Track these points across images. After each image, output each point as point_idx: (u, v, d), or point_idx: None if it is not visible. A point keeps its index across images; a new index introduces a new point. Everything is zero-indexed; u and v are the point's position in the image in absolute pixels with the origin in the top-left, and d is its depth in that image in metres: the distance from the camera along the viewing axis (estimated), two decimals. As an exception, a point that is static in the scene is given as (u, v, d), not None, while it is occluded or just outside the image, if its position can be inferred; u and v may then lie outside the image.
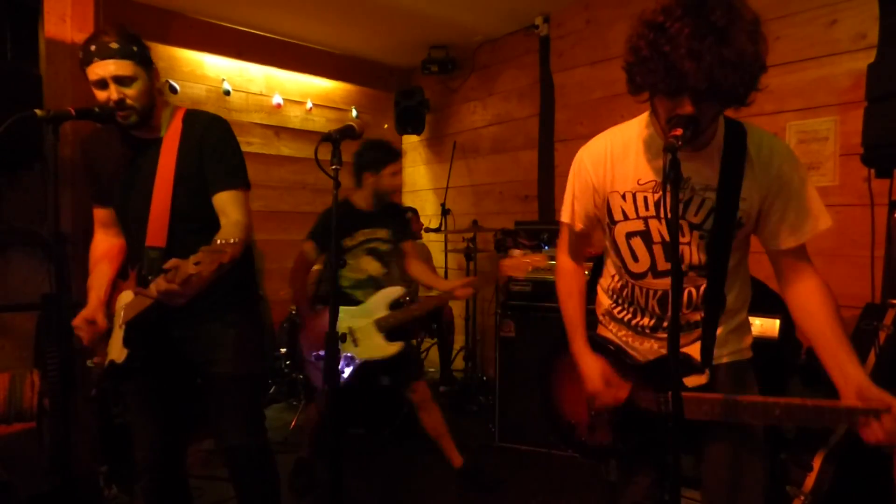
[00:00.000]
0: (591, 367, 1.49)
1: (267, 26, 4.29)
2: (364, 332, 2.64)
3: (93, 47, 1.60)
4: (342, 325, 2.61)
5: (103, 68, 1.59)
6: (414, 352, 3.10)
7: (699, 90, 1.09)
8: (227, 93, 4.21)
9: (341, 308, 2.59)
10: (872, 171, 2.20)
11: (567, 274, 1.61)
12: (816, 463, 1.90)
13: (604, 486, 2.77)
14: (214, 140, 1.76)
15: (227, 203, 1.73)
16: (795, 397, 1.26)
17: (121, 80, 1.62)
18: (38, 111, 1.51)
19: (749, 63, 1.08)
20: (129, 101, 1.63)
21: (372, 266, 2.76)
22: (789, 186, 1.30)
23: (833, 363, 1.25)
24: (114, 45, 1.59)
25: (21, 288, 2.40)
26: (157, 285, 1.43)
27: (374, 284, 2.75)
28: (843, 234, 2.56)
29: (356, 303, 2.70)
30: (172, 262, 1.39)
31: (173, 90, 3.82)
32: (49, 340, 2.21)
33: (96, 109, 1.60)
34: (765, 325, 2.22)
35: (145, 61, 1.67)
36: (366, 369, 2.64)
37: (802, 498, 1.88)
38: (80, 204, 2.47)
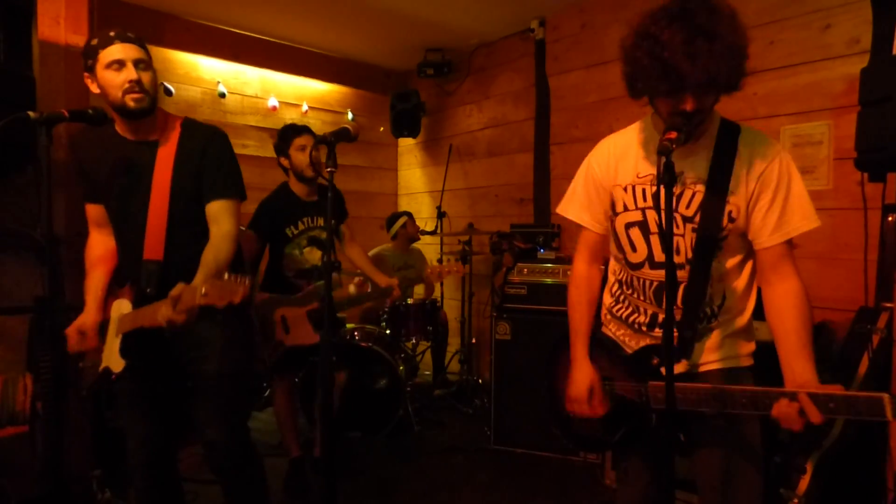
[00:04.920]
0: (583, 375, 1.54)
1: (262, 29, 4.28)
2: (296, 320, 2.73)
3: (112, 33, 1.66)
4: (277, 312, 2.77)
5: (124, 50, 1.66)
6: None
7: (699, 85, 1.19)
8: (223, 95, 4.20)
9: (278, 297, 2.78)
10: (866, 174, 2.21)
11: (580, 281, 1.62)
12: (810, 466, 1.91)
13: (599, 489, 2.77)
14: (215, 151, 1.80)
15: (221, 212, 1.76)
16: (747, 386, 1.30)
17: (139, 63, 1.68)
18: (31, 113, 1.50)
19: (736, 53, 1.20)
20: (145, 84, 1.68)
21: (315, 256, 2.84)
22: (777, 184, 1.33)
23: (787, 365, 1.29)
24: (131, 35, 1.68)
25: (14, 291, 2.38)
26: (163, 314, 1.47)
27: (318, 274, 2.82)
28: (836, 237, 2.57)
29: (298, 291, 2.80)
30: (178, 288, 1.43)
31: (168, 92, 3.81)
32: (42, 343, 2.19)
33: (90, 112, 1.60)
34: (759, 329, 2.22)
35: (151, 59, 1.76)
36: (293, 355, 2.79)
37: (796, 501, 1.89)
38: (74, 206, 2.46)
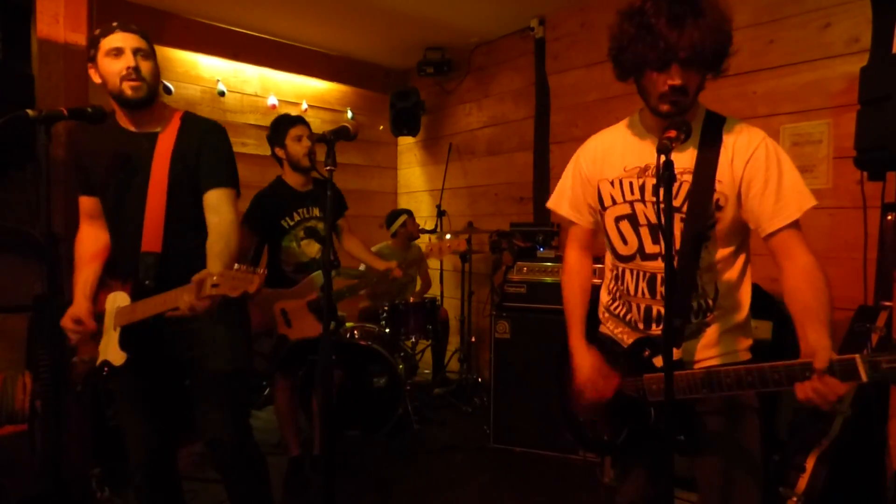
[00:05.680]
0: (584, 360, 1.54)
1: (262, 27, 4.28)
2: (297, 312, 2.70)
3: (114, 23, 1.69)
4: (276, 306, 2.73)
5: (125, 39, 1.68)
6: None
7: (686, 58, 1.23)
8: (222, 94, 4.20)
9: (275, 290, 2.74)
10: (865, 173, 2.21)
11: (573, 272, 1.65)
12: (809, 464, 1.91)
13: (597, 487, 2.77)
14: (214, 144, 1.82)
15: (221, 201, 1.77)
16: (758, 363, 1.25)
17: (138, 52, 1.69)
18: (29, 111, 1.50)
19: (722, 29, 1.24)
20: (143, 73, 1.69)
21: (313, 249, 2.81)
22: (767, 169, 1.33)
23: (802, 336, 1.24)
24: (134, 26, 1.71)
25: (13, 289, 2.38)
26: (186, 301, 1.48)
27: (317, 267, 2.78)
28: (836, 236, 2.57)
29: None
30: (202, 274, 1.44)
31: (167, 91, 3.80)
32: (41, 342, 2.19)
33: (89, 110, 1.60)
34: (758, 328, 2.23)
35: (154, 51, 1.77)
36: (298, 348, 2.74)
37: (795, 499, 1.89)
38: (73, 204, 2.46)
